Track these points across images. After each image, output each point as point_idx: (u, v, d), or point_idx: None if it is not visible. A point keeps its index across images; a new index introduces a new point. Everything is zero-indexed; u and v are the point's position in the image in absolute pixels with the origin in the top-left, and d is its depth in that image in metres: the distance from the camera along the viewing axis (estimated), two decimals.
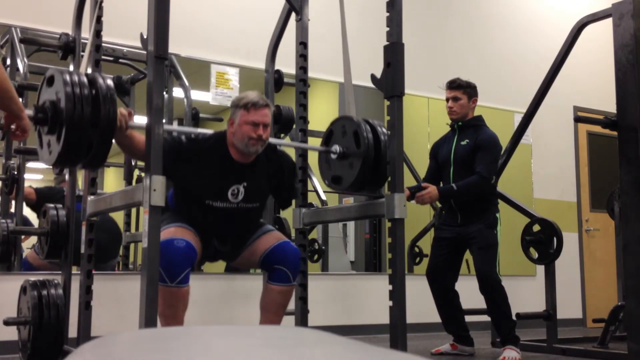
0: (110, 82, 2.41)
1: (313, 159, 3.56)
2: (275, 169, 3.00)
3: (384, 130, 2.92)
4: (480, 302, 3.90)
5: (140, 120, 2.53)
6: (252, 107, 2.78)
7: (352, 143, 2.98)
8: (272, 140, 2.98)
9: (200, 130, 2.98)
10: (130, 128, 2.57)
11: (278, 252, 2.87)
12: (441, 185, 3.88)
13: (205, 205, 2.81)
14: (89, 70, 2.97)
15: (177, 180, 2.86)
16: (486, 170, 3.70)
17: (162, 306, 2.63)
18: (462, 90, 3.87)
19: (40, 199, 4.02)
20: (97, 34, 3.04)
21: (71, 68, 3.34)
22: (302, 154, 3.35)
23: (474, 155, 3.76)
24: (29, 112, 2.35)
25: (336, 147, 3.05)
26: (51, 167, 2.56)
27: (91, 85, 2.35)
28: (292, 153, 3.46)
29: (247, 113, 2.78)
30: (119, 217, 4.92)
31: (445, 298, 3.86)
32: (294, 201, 3.37)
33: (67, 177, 3.33)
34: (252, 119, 2.77)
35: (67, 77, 2.33)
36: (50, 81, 2.42)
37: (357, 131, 2.95)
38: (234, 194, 2.84)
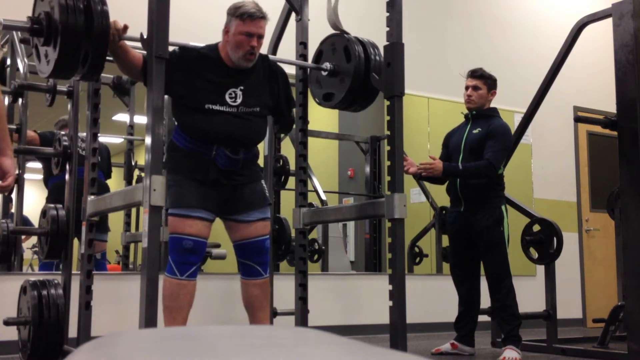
0: None
1: (313, 160, 3.56)
2: (268, 74, 2.98)
3: (375, 50, 3.06)
4: (482, 302, 3.91)
5: (133, 36, 2.61)
6: (249, 18, 2.77)
7: (342, 59, 3.11)
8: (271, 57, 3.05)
9: (191, 42, 2.97)
10: (123, 40, 2.61)
11: (247, 248, 2.88)
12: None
13: (206, 111, 2.77)
14: None
15: (176, 89, 2.80)
16: (494, 158, 3.70)
17: (168, 299, 2.68)
18: (483, 80, 3.88)
19: (44, 144, 4.01)
20: None
21: None
22: (302, 154, 3.35)
23: (484, 144, 3.76)
24: (25, 23, 2.44)
25: (327, 64, 3.19)
26: (49, 78, 2.61)
27: None
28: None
29: (242, 23, 2.77)
30: (119, 216, 4.93)
31: (466, 296, 3.87)
32: (293, 201, 3.37)
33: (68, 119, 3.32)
34: (247, 29, 2.77)
35: None
36: None
37: (347, 46, 3.07)
38: (232, 97, 2.81)
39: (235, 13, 2.79)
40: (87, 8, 2.39)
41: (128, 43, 2.67)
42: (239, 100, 2.82)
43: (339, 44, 3.13)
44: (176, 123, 2.93)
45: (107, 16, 2.44)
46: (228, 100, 2.80)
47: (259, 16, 2.79)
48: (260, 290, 2.91)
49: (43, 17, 2.41)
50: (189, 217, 2.72)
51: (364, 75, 3.02)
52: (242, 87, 2.84)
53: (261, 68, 2.94)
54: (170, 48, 2.65)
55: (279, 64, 3.10)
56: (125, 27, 2.60)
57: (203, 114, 2.78)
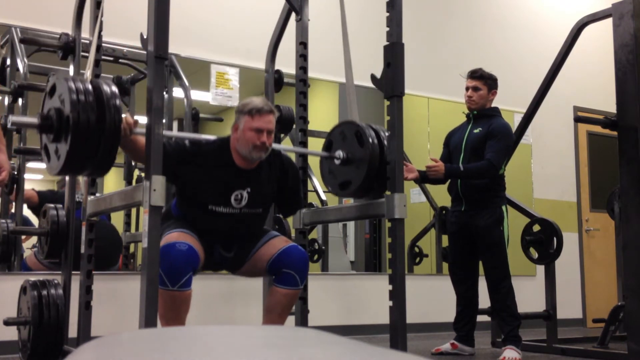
0: (115, 88, 2.39)
1: (313, 159, 3.57)
2: (279, 173, 2.97)
3: (386, 134, 2.90)
4: (481, 302, 3.91)
5: (143, 122, 2.54)
6: (257, 114, 2.77)
7: (354, 146, 2.95)
8: (275, 145, 2.95)
9: (203, 136, 2.96)
10: (134, 135, 2.58)
11: (286, 256, 2.85)
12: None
13: (208, 211, 2.80)
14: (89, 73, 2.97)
15: (181, 185, 2.85)
16: (495, 158, 3.70)
17: (163, 309, 2.60)
18: (483, 80, 3.88)
19: (43, 202, 4.01)
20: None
21: (71, 68, 3.34)
22: (302, 154, 3.35)
23: (485, 143, 3.77)
24: (34, 120, 2.35)
25: (339, 152, 3.02)
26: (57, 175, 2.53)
27: (95, 93, 2.33)
28: (292, 156, 3.45)
29: (251, 119, 2.77)
30: (118, 217, 4.92)
31: (465, 295, 3.88)
32: None
33: (67, 178, 3.33)
34: (256, 125, 2.76)
35: (72, 85, 2.30)
36: (53, 91, 2.39)
37: (358, 131, 2.93)
38: (238, 199, 2.82)
39: (244, 110, 2.80)
40: (98, 102, 2.31)
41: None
42: (243, 203, 2.84)
43: (349, 131, 3.00)
44: (176, 197, 2.94)
45: (119, 111, 2.36)
46: (233, 202, 2.82)
47: (267, 110, 2.79)
48: (289, 300, 2.88)
49: (53, 113, 2.32)
50: (185, 233, 2.73)
51: (380, 160, 2.88)
52: (249, 189, 2.84)
53: (270, 166, 2.94)
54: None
55: (288, 154, 3.12)
56: (136, 122, 2.56)
57: (204, 212, 2.81)
